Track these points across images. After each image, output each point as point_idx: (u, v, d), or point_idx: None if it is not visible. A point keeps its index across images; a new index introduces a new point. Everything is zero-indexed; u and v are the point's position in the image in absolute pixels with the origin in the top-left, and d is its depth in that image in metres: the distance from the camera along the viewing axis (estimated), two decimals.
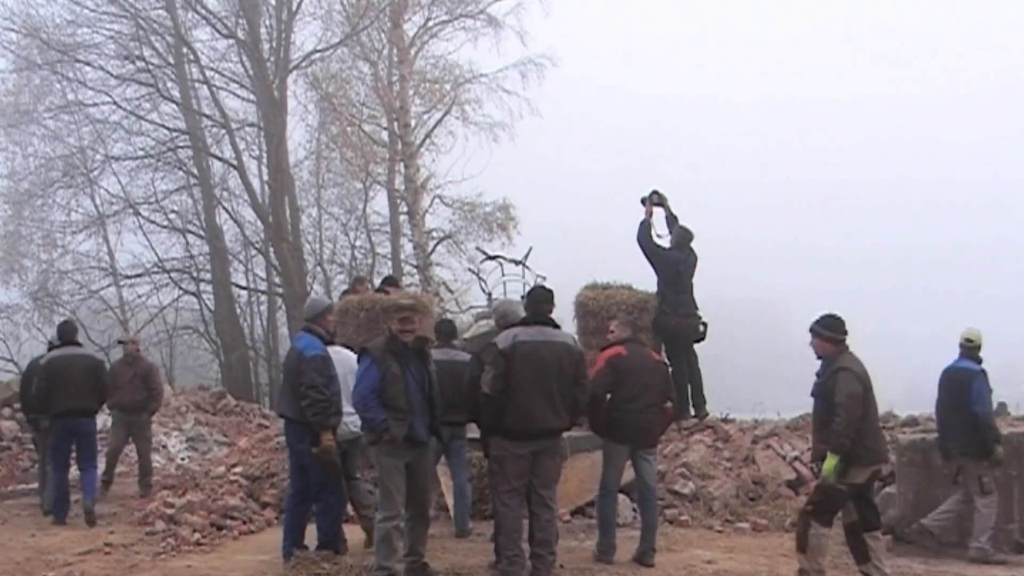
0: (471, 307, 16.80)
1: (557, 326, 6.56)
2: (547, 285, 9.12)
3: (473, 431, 7.10)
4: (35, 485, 10.64)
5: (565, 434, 7.96)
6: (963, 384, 7.16)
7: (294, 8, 20.54)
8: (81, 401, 8.72)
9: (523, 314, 6.55)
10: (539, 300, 6.54)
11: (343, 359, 7.21)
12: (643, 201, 10.10)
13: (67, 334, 9.09)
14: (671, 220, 10.16)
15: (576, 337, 7.05)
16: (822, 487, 5.80)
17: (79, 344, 9.22)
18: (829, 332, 6.01)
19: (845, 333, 6.01)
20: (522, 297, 8.76)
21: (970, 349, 7.35)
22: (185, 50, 21.04)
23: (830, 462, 5.69)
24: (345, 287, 17.98)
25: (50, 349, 9.25)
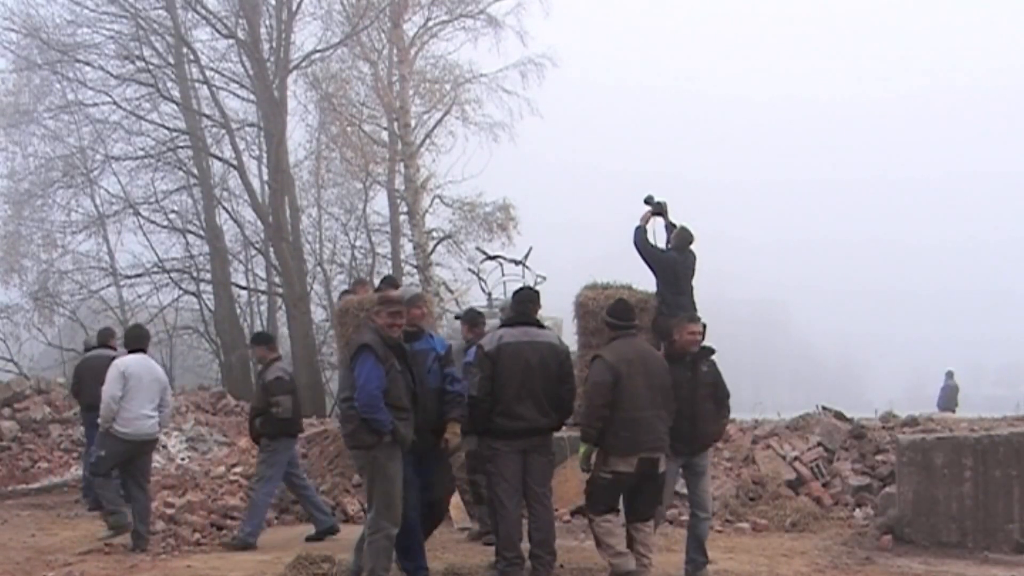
0: (471, 307, 16.80)
1: (543, 326, 6.61)
2: (539, 285, 9.11)
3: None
4: (35, 485, 10.75)
5: (566, 434, 8.00)
6: None
7: (294, 8, 20.51)
8: (99, 397, 9.24)
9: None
10: (524, 301, 6.60)
11: (149, 367, 7.75)
12: (647, 201, 10.08)
13: (101, 337, 10.29)
14: (670, 229, 10.14)
15: (560, 337, 7.05)
16: (589, 479, 5.92)
17: (112, 348, 9.92)
18: (609, 318, 6.25)
19: (621, 319, 6.14)
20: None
21: None
22: (185, 50, 21.00)
23: (580, 449, 6.02)
24: (345, 287, 17.99)
25: (86, 350, 10.41)
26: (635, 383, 5.89)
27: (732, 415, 10.60)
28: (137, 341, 7.96)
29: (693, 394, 6.29)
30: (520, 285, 10.61)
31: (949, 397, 19.09)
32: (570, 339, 9.23)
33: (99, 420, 7.69)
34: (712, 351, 6.52)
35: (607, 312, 6.36)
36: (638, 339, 6.30)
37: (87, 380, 9.62)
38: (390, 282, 10.91)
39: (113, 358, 9.49)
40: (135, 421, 7.54)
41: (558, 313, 10.08)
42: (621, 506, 6.09)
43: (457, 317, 9.73)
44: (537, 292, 6.84)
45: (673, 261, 9.81)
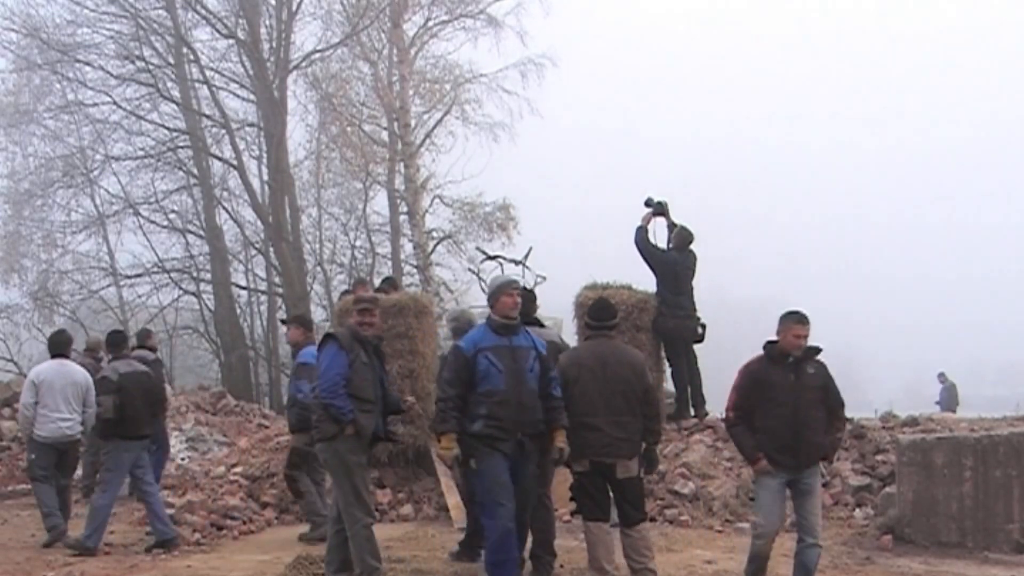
0: (471, 307, 16.80)
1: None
2: (539, 285, 9.13)
3: None
4: None
5: None
6: None
7: (294, 8, 20.55)
8: None
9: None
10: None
11: (64, 372, 7.86)
12: (647, 203, 10.10)
13: (139, 338, 10.57)
14: (671, 229, 10.15)
15: (562, 336, 7.08)
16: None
17: (152, 349, 10.34)
18: (586, 318, 6.15)
19: (595, 319, 6.02)
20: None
21: None
22: (185, 50, 21.04)
23: None
24: (345, 287, 18.01)
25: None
26: (586, 388, 5.74)
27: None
28: (57, 347, 8.18)
29: (797, 400, 5.61)
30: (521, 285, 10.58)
31: (951, 397, 19.10)
32: (571, 338, 9.23)
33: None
34: (818, 350, 5.77)
35: (586, 312, 6.25)
36: (612, 341, 6.07)
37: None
38: (390, 282, 10.93)
39: (146, 359, 9.73)
40: (50, 425, 7.79)
41: (558, 313, 10.08)
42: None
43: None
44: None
45: (673, 261, 9.83)
